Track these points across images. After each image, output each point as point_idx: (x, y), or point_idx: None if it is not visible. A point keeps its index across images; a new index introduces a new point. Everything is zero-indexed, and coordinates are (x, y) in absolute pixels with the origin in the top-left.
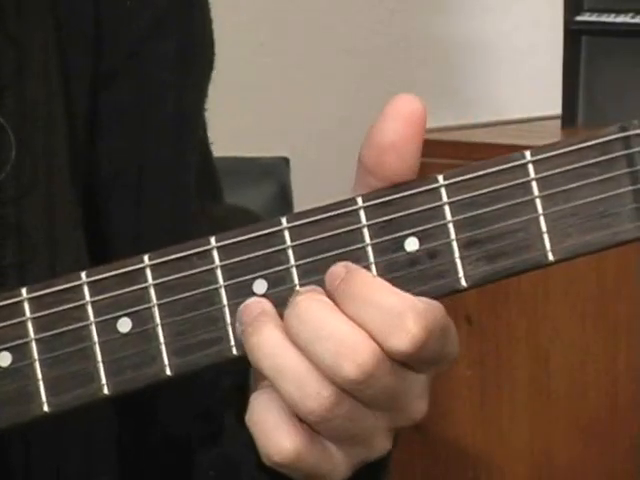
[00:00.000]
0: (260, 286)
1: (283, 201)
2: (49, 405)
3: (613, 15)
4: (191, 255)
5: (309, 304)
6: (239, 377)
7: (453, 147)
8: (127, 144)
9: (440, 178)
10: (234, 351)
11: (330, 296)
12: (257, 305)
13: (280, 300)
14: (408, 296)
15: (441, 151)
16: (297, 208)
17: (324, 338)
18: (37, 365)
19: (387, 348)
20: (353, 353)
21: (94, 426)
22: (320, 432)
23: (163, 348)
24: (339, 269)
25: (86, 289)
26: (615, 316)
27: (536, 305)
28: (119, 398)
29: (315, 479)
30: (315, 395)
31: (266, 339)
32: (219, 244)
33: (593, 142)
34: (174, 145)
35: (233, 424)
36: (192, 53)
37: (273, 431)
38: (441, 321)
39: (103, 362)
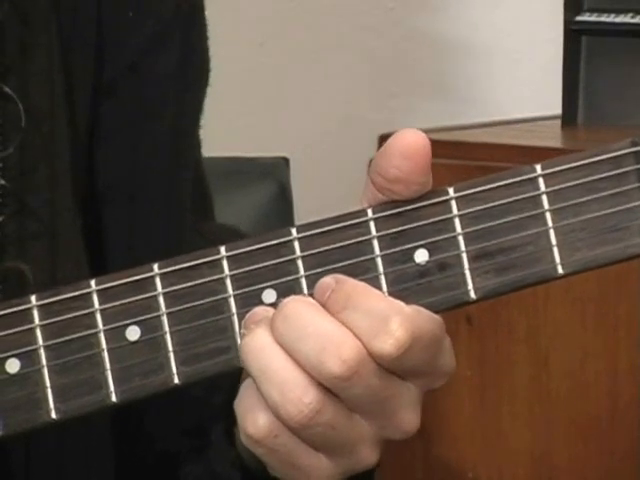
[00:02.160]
0: (269, 296)
1: (283, 201)
2: (57, 412)
3: (613, 15)
4: (201, 264)
5: (295, 305)
6: (229, 394)
7: (453, 147)
8: (124, 155)
9: (450, 190)
10: None
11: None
12: (262, 313)
13: None
14: (397, 302)
15: (441, 151)
16: (297, 208)
17: (309, 335)
18: (45, 372)
19: (371, 350)
20: (338, 349)
21: (93, 428)
22: (301, 439)
23: (171, 356)
24: (329, 280)
25: (95, 297)
26: (615, 316)
27: (536, 305)
28: (127, 406)
29: (295, 475)
30: (297, 401)
31: (255, 340)
32: (229, 254)
33: (604, 156)
34: (170, 159)
35: (221, 441)
36: (192, 68)
37: (253, 407)
38: (431, 330)
39: (111, 370)
